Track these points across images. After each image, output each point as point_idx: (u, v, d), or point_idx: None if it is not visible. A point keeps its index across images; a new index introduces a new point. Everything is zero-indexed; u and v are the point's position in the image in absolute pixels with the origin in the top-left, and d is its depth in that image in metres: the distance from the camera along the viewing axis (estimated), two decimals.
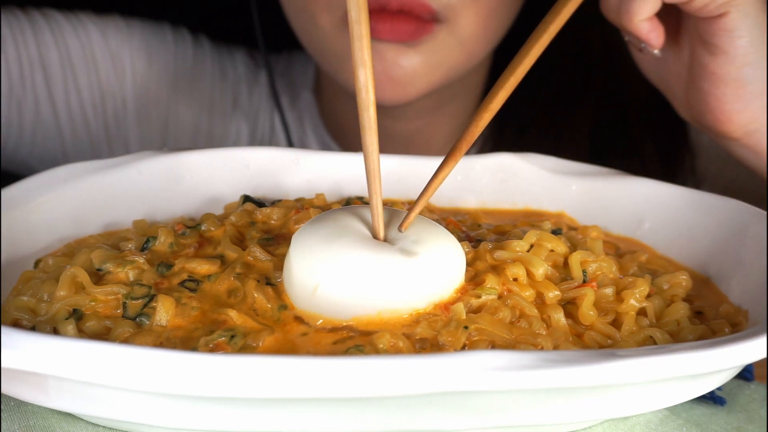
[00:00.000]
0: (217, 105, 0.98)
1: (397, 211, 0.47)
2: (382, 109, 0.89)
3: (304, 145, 0.98)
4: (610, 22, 0.64)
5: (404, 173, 0.62)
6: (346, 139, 0.96)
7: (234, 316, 0.43)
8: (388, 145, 0.93)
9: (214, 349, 0.41)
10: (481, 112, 0.46)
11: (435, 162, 0.62)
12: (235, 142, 0.98)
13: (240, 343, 0.42)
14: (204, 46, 0.99)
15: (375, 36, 0.75)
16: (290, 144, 0.96)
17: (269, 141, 0.98)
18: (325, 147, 0.97)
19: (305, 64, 1.01)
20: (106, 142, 0.94)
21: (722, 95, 0.63)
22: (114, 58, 0.93)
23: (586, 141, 0.91)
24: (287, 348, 0.42)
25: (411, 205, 0.46)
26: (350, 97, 0.90)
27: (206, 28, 1.02)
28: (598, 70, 0.91)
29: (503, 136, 0.93)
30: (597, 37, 0.90)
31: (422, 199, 0.46)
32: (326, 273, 0.43)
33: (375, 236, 0.45)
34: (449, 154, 0.47)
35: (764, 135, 0.65)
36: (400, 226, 0.45)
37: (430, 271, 0.44)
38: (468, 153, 0.71)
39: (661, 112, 0.91)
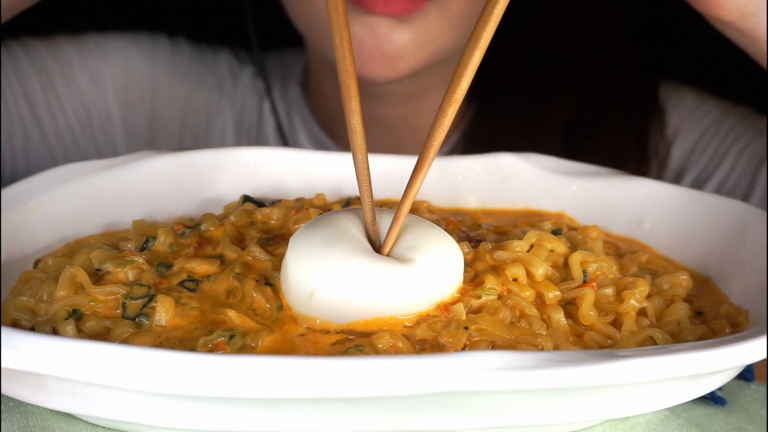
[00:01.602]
0: (202, 103, 0.99)
1: (392, 212, 0.47)
2: (366, 92, 0.90)
3: (293, 137, 0.99)
4: None
5: (404, 173, 0.62)
6: (336, 129, 0.97)
7: (233, 316, 0.43)
8: (373, 131, 0.94)
9: (213, 349, 0.41)
10: (445, 105, 0.44)
11: (436, 161, 0.62)
12: (221, 140, 0.99)
13: (239, 343, 0.41)
14: (183, 48, 1.00)
15: (368, 9, 0.77)
16: (282, 134, 0.97)
17: (256, 135, 0.99)
18: (314, 138, 0.98)
19: (294, 62, 1.03)
20: (96, 154, 0.96)
21: None
22: (94, 75, 0.95)
23: (562, 128, 0.92)
24: (286, 348, 0.42)
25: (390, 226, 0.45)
26: (336, 84, 0.91)
27: (192, 31, 1.03)
28: (573, 55, 0.92)
29: (479, 126, 0.94)
30: (573, 24, 0.91)
31: (399, 217, 0.45)
32: (322, 279, 0.43)
33: (370, 237, 0.45)
34: (417, 166, 0.45)
35: (760, 18, 0.62)
36: (381, 250, 0.44)
37: (426, 278, 0.44)
38: (467, 152, 0.71)
39: (636, 93, 0.92)
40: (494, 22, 0.41)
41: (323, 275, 0.43)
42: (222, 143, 0.99)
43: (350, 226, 0.45)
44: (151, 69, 0.97)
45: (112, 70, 0.96)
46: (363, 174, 0.45)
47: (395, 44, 0.78)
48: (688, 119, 0.93)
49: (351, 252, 0.43)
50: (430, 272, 0.44)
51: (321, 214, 0.48)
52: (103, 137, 0.95)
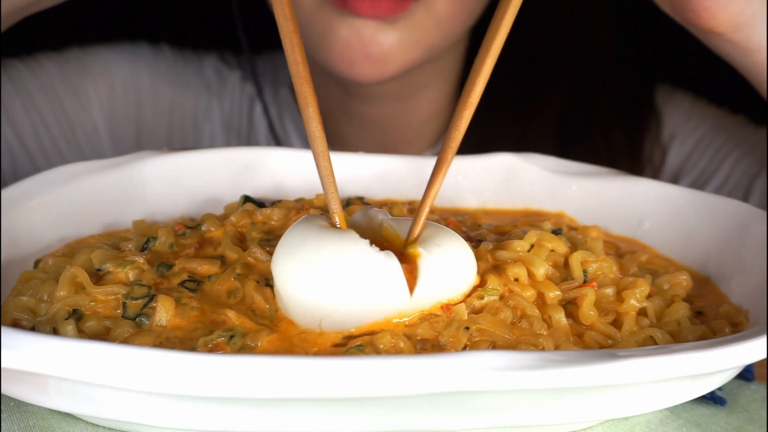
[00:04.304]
0: (188, 110, 0.99)
1: (403, 220, 0.47)
2: (355, 92, 0.90)
3: (285, 138, 0.99)
4: None
5: (404, 173, 0.62)
6: (327, 130, 0.97)
7: (232, 316, 0.43)
8: (363, 130, 0.94)
9: (213, 349, 0.41)
10: (461, 109, 0.46)
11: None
12: (210, 145, 0.99)
13: (239, 343, 0.41)
14: (166, 55, 1.00)
15: (354, 11, 0.77)
16: (274, 136, 0.97)
17: (247, 139, 0.99)
18: (305, 137, 0.98)
19: (283, 64, 1.03)
20: None
21: None
22: (77, 91, 0.95)
23: (554, 127, 0.92)
24: (285, 347, 0.42)
25: (413, 217, 0.46)
26: (329, 84, 0.92)
27: (178, 36, 1.03)
28: (564, 53, 0.93)
29: (471, 126, 0.94)
30: (565, 22, 0.91)
31: (420, 215, 0.45)
32: (329, 307, 0.42)
33: (332, 223, 0.44)
34: (437, 167, 0.46)
35: (753, 29, 0.62)
36: (407, 245, 0.44)
37: (441, 276, 0.44)
38: (460, 153, 0.71)
39: (629, 92, 0.92)
40: (505, 28, 0.43)
41: (328, 302, 0.42)
42: (211, 147, 0.99)
43: (330, 240, 0.43)
44: (134, 80, 0.97)
45: (95, 84, 0.95)
46: (328, 180, 0.45)
47: (382, 46, 0.78)
48: (685, 125, 0.93)
49: (350, 265, 0.42)
50: (446, 270, 0.44)
51: (306, 216, 0.47)
52: (90, 152, 0.95)
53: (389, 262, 0.42)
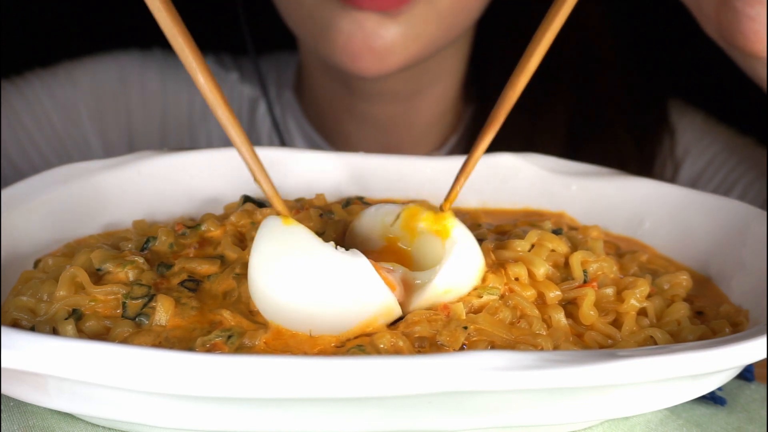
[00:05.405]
0: (183, 114, 0.98)
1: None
2: (359, 90, 0.90)
3: (289, 139, 0.99)
4: None
5: (405, 172, 0.62)
6: (330, 130, 0.97)
7: (228, 316, 0.43)
8: (367, 129, 0.94)
9: (210, 349, 0.41)
10: (507, 90, 0.47)
11: (436, 162, 0.62)
12: (208, 146, 0.98)
13: (236, 342, 0.41)
14: (157, 60, 0.99)
15: (356, 5, 0.77)
16: (279, 135, 0.97)
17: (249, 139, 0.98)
18: (309, 139, 0.98)
19: (286, 65, 1.03)
20: None
21: (756, 14, 0.62)
22: (66, 106, 0.95)
23: (563, 130, 0.92)
24: (282, 346, 0.42)
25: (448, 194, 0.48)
26: (333, 84, 0.92)
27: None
28: (572, 61, 0.93)
29: (479, 126, 0.94)
30: (571, 30, 0.91)
31: (464, 172, 0.48)
32: (312, 316, 0.42)
33: (279, 213, 0.44)
34: (487, 124, 0.48)
35: None
36: (443, 206, 0.46)
37: (466, 259, 0.45)
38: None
39: (637, 99, 0.92)
40: (561, 19, 0.44)
41: (313, 312, 0.42)
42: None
43: (306, 256, 0.43)
44: (124, 89, 0.97)
45: (83, 98, 0.95)
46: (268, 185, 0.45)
47: (384, 39, 0.78)
48: (698, 143, 0.93)
49: (320, 270, 0.42)
50: (467, 251, 0.45)
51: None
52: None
53: (357, 260, 0.42)
